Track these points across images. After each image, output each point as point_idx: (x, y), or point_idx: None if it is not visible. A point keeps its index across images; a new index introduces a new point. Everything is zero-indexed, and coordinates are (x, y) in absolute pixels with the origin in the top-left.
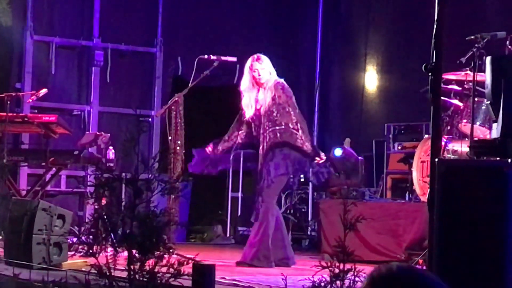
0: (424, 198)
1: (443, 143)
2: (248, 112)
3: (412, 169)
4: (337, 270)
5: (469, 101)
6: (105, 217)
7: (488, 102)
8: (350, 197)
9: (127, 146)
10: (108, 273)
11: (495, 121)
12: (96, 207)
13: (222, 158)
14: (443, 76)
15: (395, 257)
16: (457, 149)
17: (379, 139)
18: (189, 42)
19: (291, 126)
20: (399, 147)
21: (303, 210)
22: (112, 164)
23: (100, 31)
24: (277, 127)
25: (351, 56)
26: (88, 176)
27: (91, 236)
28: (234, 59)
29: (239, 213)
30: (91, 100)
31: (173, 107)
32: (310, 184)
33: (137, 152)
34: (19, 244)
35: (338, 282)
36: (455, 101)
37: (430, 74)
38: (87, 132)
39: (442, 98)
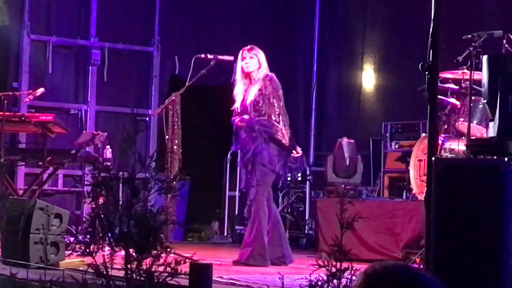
0: (421, 197)
1: (440, 142)
2: (237, 101)
3: (409, 167)
4: (334, 269)
5: (466, 99)
6: (102, 216)
7: (485, 101)
8: (348, 196)
9: (124, 145)
10: (105, 272)
11: (492, 120)
12: (93, 206)
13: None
14: (440, 75)
15: (392, 255)
16: (454, 148)
17: (376, 137)
18: (186, 41)
19: (273, 118)
20: (396, 146)
21: (300, 209)
22: (109, 163)
23: (97, 30)
24: (261, 118)
25: (348, 54)
26: (85, 175)
27: (88, 235)
28: (231, 58)
29: (236, 212)
30: (88, 99)
31: (170, 106)
32: (308, 183)
33: (134, 151)
34: (16, 244)
35: (335, 281)
36: (452, 100)
37: (427, 72)
38: (84, 131)
39: (439, 96)
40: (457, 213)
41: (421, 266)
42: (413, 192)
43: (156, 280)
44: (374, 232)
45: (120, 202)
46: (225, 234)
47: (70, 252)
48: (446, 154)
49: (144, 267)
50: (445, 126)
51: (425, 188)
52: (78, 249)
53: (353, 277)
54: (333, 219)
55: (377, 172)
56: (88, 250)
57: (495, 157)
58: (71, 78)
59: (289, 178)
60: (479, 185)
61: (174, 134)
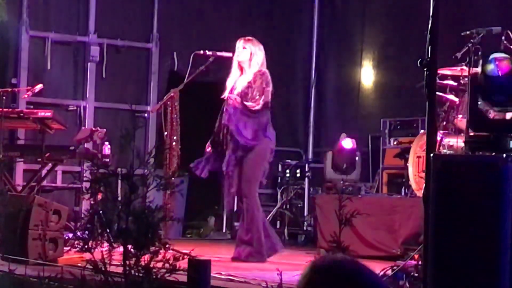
0: (420, 193)
1: (438, 138)
2: (226, 91)
3: (408, 164)
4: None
5: (465, 96)
6: (100, 212)
7: None
8: (346, 192)
9: (122, 142)
10: (103, 269)
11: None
12: (91, 202)
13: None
14: (439, 71)
15: (390, 252)
16: (452, 144)
17: (375, 134)
18: (185, 37)
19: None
20: (395, 142)
21: (299, 205)
22: (107, 160)
23: (95, 26)
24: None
25: (347, 51)
26: (84, 171)
27: (86, 232)
28: (230, 54)
29: (235, 209)
30: (87, 96)
31: (168, 102)
32: (306, 179)
33: (133, 148)
34: (15, 240)
35: None
36: (451, 96)
37: (425, 69)
38: (83, 128)
39: (437, 93)
40: (455, 209)
41: (420, 262)
42: (411, 188)
43: (154, 276)
44: (373, 228)
45: (119, 199)
46: (224, 230)
47: (68, 248)
48: (444, 150)
49: (142, 263)
50: (444, 123)
51: (424, 185)
52: (76, 245)
53: None
54: (332, 215)
55: (376, 168)
56: (86, 246)
57: (493, 154)
58: (70, 74)
59: (287, 175)
60: (478, 182)
61: (173, 130)
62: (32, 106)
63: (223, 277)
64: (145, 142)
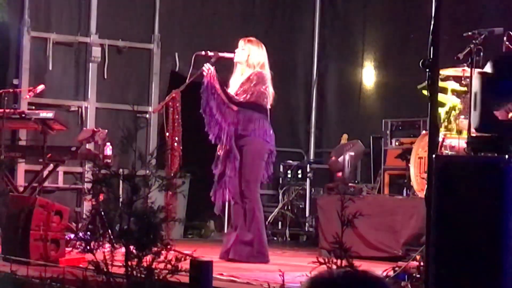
0: (422, 194)
1: (440, 139)
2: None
3: (409, 165)
4: (334, 266)
5: (467, 97)
6: (102, 213)
7: None
8: (348, 193)
9: (124, 142)
10: (105, 269)
11: None
12: (93, 203)
13: None
14: (441, 72)
15: (392, 253)
16: (454, 145)
17: (377, 135)
18: (187, 38)
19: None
20: (397, 143)
21: (300, 206)
22: (109, 160)
23: (97, 27)
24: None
25: (348, 52)
26: (86, 172)
27: (88, 232)
28: (232, 55)
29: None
30: (88, 96)
31: (170, 103)
32: (308, 180)
33: (135, 148)
34: (17, 240)
35: None
36: (453, 97)
37: (427, 70)
38: (85, 128)
39: (439, 94)
40: (457, 210)
41: (421, 263)
42: (413, 189)
43: (156, 277)
44: (375, 229)
45: (121, 199)
46: (225, 231)
47: (70, 249)
48: (446, 151)
49: (144, 264)
50: (446, 124)
51: (426, 186)
52: (78, 246)
53: None
54: (334, 216)
55: (378, 169)
56: (88, 247)
57: (495, 155)
58: (71, 75)
59: (289, 176)
60: (480, 183)
61: (175, 131)
62: (33, 107)
63: (225, 278)
64: (147, 143)
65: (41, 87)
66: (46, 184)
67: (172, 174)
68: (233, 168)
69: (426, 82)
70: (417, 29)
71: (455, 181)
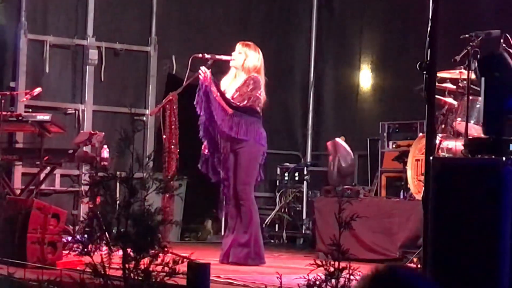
0: (419, 197)
1: (437, 141)
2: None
3: (406, 167)
4: (332, 269)
5: (464, 99)
6: (99, 216)
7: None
8: (345, 196)
9: (121, 145)
10: (103, 272)
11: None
12: (90, 206)
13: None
14: (438, 74)
15: (389, 255)
16: (451, 148)
17: (374, 137)
18: (183, 40)
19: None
20: (394, 146)
21: (297, 208)
22: (106, 163)
23: (94, 29)
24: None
25: (345, 54)
26: (83, 175)
27: (85, 235)
28: (229, 57)
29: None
30: (85, 99)
31: (167, 106)
32: (305, 182)
33: (132, 151)
34: (14, 243)
35: (333, 280)
36: (450, 100)
37: (424, 72)
38: (82, 131)
39: (436, 96)
40: (454, 212)
41: (419, 266)
42: (410, 191)
43: (153, 280)
44: (372, 231)
45: (118, 202)
46: (223, 233)
47: (67, 251)
48: (443, 153)
49: (141, 266)
50: (443, 126)
51: (423, 188)
52: (75, 249)
53: (351, 277)
54: (331, 218)
55: (375, 171)
56: (85, 250)
57: (492, 157)
58: (68, 77)
59: (286, 178)
60: (477, 185)
61: (172, 133)
62: (30, 110)
63: (222, 280)
64: (144, 145)
65: (38, 90)
66: (43, 186)
67: (169, 177)
68: (227, 171)
69: (423, 84)
70: (414, 31)
71: (453, 183)
